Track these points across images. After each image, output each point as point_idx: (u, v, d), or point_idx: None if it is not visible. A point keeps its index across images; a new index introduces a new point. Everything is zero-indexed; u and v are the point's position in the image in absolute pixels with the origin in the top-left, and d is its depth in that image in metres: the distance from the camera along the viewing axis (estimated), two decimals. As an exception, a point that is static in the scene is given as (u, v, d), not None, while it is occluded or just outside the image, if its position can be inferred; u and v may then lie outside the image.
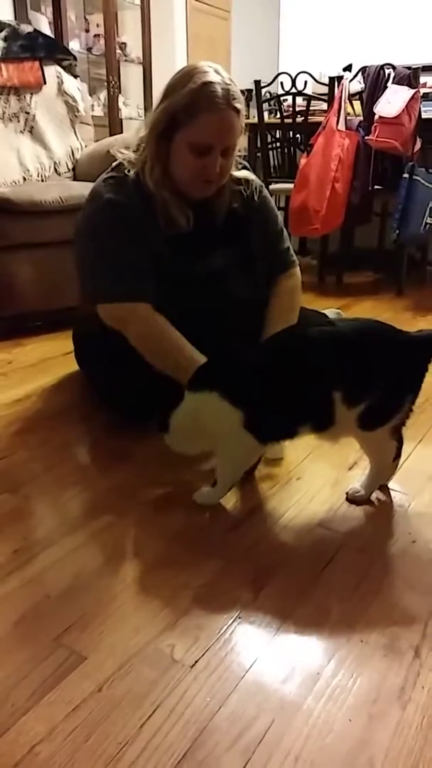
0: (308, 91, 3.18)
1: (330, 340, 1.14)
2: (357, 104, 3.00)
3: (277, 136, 3.50)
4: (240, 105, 1.35)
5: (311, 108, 3.19)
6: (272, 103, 3.42)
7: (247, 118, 3.63)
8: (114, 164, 1.48)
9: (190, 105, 1.32)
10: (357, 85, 2.96)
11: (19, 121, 2.75)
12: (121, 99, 3.78)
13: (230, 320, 1.46)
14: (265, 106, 3.40)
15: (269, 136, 3.47)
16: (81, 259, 1.51)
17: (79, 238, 1.50)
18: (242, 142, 1.46)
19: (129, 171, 1.43)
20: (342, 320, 1.19)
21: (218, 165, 1.38)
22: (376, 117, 2.76)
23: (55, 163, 2.82)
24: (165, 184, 1.41)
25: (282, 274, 1.62)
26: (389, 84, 2.83)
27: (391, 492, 1.31)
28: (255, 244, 1.57)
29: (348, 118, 2.95)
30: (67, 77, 2.88)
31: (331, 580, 1.04)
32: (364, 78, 2.91)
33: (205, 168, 1.37)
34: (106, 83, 3.66)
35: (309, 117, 3.20)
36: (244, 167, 1.56)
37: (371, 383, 1.12)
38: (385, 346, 1.14)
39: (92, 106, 3.56)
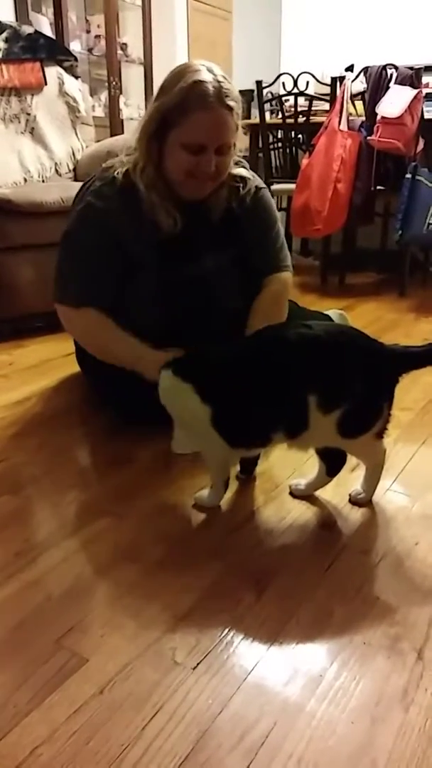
0: (310, 91, 3.17)
1: (306, 343, 1.12)
2: (359, 104, 2.99)
3: (279, 136, 3.50)
4: (233, 102, 1.33)
5: (313, 108, 3.18)
6: (274, 103, 3.42)
7: (249, 118, 3.66)
8: (104, 165, 1.48)
9: (181, 104, 1.31)
10: (359, 86, 2.96)
11: (20, 122, 2.75)
12: (122, 99, 3.78)
13: (211, 325, 1.46)
14: (267, 106, 3.40)
15: (271, 137, 3.47)
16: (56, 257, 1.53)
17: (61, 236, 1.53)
18: (243, 142, 1.45)
19: (117, 173, 1.43)
20: (319, 324, 1.18)
21: (213, 163, 1.37)
22: (379, 117, 2.76)
23: (56, 163, 2.82)
24: (156, 186, 1.41)
25: (268, 275, 1.59)
26: (391, 84, 2.82)
27: (395, 494, 1.30)
28: (246, 246, 1.56)
29: (350, 118, 2.94)
30: (68, 78, 2.89)
31: (333, 582, 1.03)
32: (366, 78, 2.90)
33: (198, 166, 1.36)
34: (107, 84, 3.66)
35: (311, 117, 3.21)
36: (243, 166, 1.55)
37: (346, 388, 1.10)
38: (360, 352, 1.13)
39: (93, 106, 3.56)
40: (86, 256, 1.46)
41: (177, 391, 1.18)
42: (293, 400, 1.10)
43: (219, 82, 1.31)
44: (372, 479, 1.26)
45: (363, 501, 1.26)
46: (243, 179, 1.53)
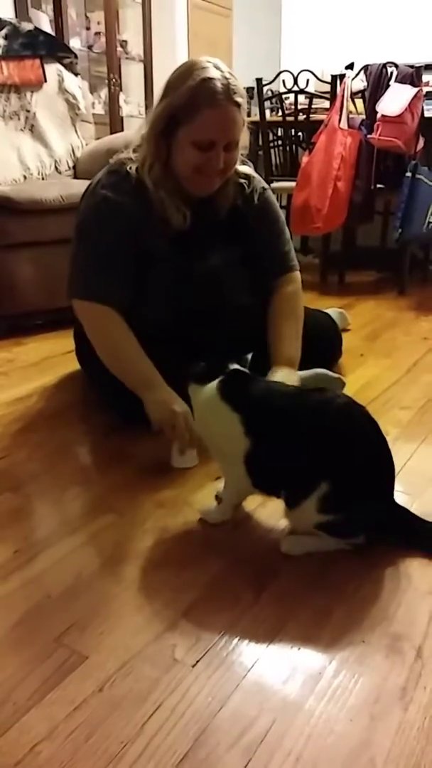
0: (310, 89, 3.17)
1: (360, 436, 1.07)
2: (359, 102, 2.99)
3: (279, 134, 3.49)
4: (240, 99, 1.35)
5: (313, 106, 3.18)
6: (274, 101, 3.41)
7: (249, 116, 3.64)
8: (114, 160, 1.48)
9: (190, 102, 1.32)
10: (359, 84, 2.95)
11: (19, 119, 2.75)
12: (121, 97, 3.77)
13: (221, 322, 1.46)
14: (267, 104, 3.39)
15: (271, 134, 3.46)
16: (71, 253, 1.52)
17: (74, 231, 1.51)
18: (246, 140, 1.45)
19: (131, 168, 1.43)
20: (380, 434, 1.10)
21: (221, 160, 1.38)
22: (379, 115, 2.75)
23: (55, 161, 2.82)
24: (164, 183, 1.41)
25: (280, 277, 1.62)
26: (392, 82, 2.82)
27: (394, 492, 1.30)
28: (255, 245, 1.56)
29: (350, 116, 2.94)
30: (67, 75, 2.88)
31: (332, 581, 1.04)
32: (366, 76, 2.90)
33: (208, 163, 1.37)
34: (106, 81, 3.66)
35: (311, 115, 3.20)
36: (245, 163, 1.56)
37: (349, 505, 1.05)
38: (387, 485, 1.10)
39: (93, 104, 3.56)
40: (105, 249, 1.44)
41: (220, 416, 1.11)
42: (313, 474, 1.04)
43: (227, 78, 1.32)
44: (317, 541, 1.11)
45: (291, 548, 1.12)
46: (247, 176, 1.54)
